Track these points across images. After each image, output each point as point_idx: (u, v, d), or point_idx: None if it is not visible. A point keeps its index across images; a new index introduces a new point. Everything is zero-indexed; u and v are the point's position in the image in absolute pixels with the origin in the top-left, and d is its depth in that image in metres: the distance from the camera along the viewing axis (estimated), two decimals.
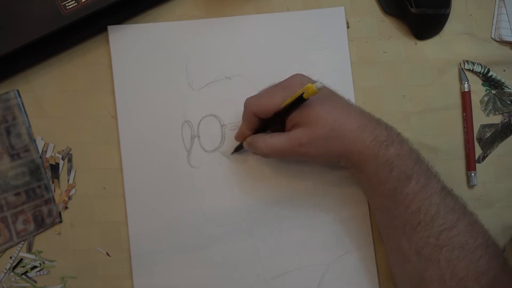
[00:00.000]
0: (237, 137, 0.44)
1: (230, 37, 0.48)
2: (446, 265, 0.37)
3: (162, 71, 0.47)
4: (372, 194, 0.42)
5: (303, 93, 0.36)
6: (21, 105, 0.47)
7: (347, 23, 0.49)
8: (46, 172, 0.46)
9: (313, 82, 0.36)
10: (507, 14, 0.49)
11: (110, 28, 0.47)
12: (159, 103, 0.47)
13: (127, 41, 0.47)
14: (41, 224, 0.46)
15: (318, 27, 0.48)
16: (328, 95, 0.40)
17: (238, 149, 0.46)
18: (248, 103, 0.41)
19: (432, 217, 0.38)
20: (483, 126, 0.48)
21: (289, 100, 0.38)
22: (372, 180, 0.40)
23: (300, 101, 0.37)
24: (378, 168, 0.39)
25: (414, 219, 0.38)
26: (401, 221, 0.39)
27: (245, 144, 0.43)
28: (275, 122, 0.41)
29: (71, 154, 0.47)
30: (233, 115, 0.47)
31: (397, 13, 0.48)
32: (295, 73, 0.42)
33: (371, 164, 0.39)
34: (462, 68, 0.49)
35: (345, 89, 0.47)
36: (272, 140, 0.40)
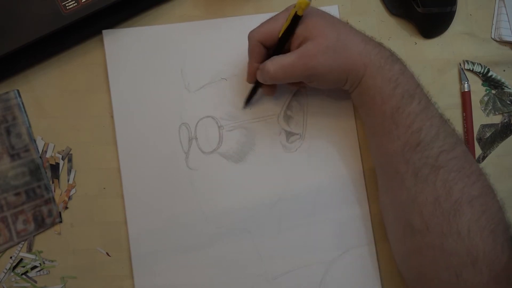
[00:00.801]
0: (248, 77, 0.44)
1: (224, 38, 0.48)
2: (442, 186, 0.37)
3: (158, 74, 0.47)
4: (374, 115, 0.41)
5: (294, 14, 0.37)
6: (21, 105, 0.47)
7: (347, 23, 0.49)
8: (46, 172, 0.46)
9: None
10: (507, 14, 0.49)
11: (105, 32, 0.47)
12: (156, 106, 0.47)
13: (122, 45, 0.47)
14: (41, 224, 0.46)
15: None
16: (324, 13, 0.41)
17: (250, 99, 0.46)
18: (252, 33, 0.42)
19: (432, 137, 0.38)
20: (483, 126, 0.48)
21: (287, 19, 0.39)
22: (376, 97, 0.40)
23: (297, 18, 0.38)
24: (384, 83, 0.39)
25: (415, 139, 0.38)
26: (401, 143, 0.38)
27: (258, 76, 0.42)
28: (281, 48, 0.41)
29: (71, 154, 0.47)
30: (230, 116, 0.47)
31: (403, 14, 0.48)
32: None
33: (377, 79, 0.39)
34: (462, 68, 0.49)
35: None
36: (280, 58, 0.40)
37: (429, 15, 0.47)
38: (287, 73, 0.40)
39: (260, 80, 0.42)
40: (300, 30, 0.39)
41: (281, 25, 0.40)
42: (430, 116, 0.38)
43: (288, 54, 0.40)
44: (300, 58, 0.39)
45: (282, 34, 0.40)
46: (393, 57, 0.40)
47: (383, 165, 0.42)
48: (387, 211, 0.42)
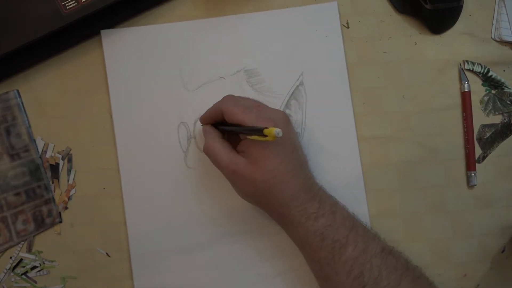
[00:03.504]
0: (200, 119, 0.45)
1: (222, 37, 0.48)
2: None
3: (157, 73, 0.47)
4: (310, 261, 0.41)
5: (264, 128, 0.36)
6: (21, 105, 0.47)
7: (347, 23, 0.49)
8: (46, 172, 0.46)
9: (288, 131, 0.38)
10: (507, 14, 0.49)
11: (103, 32, 0.47)
12: (155, 106, 0.47)
13: (120, 45, 0.47)
14: (41, 224, 0.46)
15: (312, 22, 0.48)
16: (290, 147, 0.40)
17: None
18: (224, 102, 0.42)
19: (375, 279, 0.37)
20: (483, 126, 0.48)
21: (252, 128, 0.38)
22: (306, 247, 0.40)
23: (261, 134, 0.36)
24: (309, 236, 0.39)
25: (359, 284, 0.37)
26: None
27: (202, 130, 0.44)
28: (233, 131, 0.41)
29: (71, 154, 0.47)
30: None
31: (411, 12, 0.48)
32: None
33: (299, 230, 0.39)
34: (462, 68, 0.49)
35: (340, 80, 0.47)
36: (218, 148, 0.40)
37: (437, 11, 0.47)
38: (214, 162, 0.41)
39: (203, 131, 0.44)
40: (252, 142, 0.39)
41: (244, 121, 0.39)
42: (370, 257, 0.38)
43: (225, 151, 0.40)
44: (227, 165, 0.40)
45: (241, 130, 0.40)
46: (319, 212, 0.39)
47: None
48: None
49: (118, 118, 0.47)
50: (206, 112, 0.44)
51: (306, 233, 0.39)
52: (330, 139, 0.47)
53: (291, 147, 0.40)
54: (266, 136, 0.35)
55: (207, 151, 0.41)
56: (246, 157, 0.39)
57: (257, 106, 0.42)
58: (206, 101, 0.47)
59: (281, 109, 0.47)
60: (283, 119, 0.41)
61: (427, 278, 0.40)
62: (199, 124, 0.47)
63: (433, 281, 0.40)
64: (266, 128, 0.35)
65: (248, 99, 0.44)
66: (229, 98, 0.42)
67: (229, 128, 0.42)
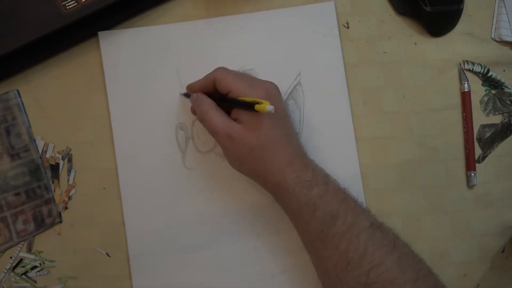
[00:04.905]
0: (188, 87, 0.45)
1: (220, 38, 0.48)
2: None
3: (154, 74, 0.47)
4: (301, 233, 0.41)
5: (256, 103, 0.37)
6: (21, 105, 0.47)
7: (347, 23, 0.49)
8: (46, 172, 0.46)
9: (279, 101, 0.38)
10: (507, 14, 0.49)
11: (100, 33, 0.47)
12: (153, 107, 0.47)
13: (118, 46, 0.47)
14: (41, 224, 0.46)
15: (310, 22, 0.48)
16: (282, 114, 0.41)
17: (186, 96, 0.46)
18: (217, 70, 0.42)
19: (360, 255, 0.37)
20: (483, 126, 0.48)
21: (245, 99, 0.39)
22: (298, 218, 0.40)
23: (251, 106, 0.37)
24: (301, 206, 0.39)
25: (344, 259, 0.37)
26: (332, 262, 0.38)
27: (192, 98, 0.43)
28: (225, 101, 0.41)
29: (71, 154, 0.47)
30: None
31: (411, 13, 0.48)
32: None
33: (292, 201, 0.39)
34: (462, 68, 0.49)
35: (338, 80, 0.47)
36: (214, 113, 0.40)
37: (437, 14, 0.47)
38: (209, 129, 0.41)
39: (192, 103, 0.43)
40: (241, 111, 0.39)
41: (238, 90, 0.39)
42: (357, 233, 0.38)
43: (220, 117, 0.40)
44: (223, 130, 0.39)
45: (233, 100, 0.40)
46: (312, 182, 0.39)
47: (322, 280, 0.41)
48: None
49: (116, 119, 0.47)
50: (196, 82, 0.44)
51: (299, 203, 0.39)
52: (328, 139, 0.47)
53: (283, 115, 0.41)
54: (257, 111, 0.37)
55: (202, 117, 0.41)
56: (240, 123, 0.39)
57: (249, 76, 0.42)
58: None
59: None
60: (275, 88, 0.42)
61: (415, 256, 0.39)
62: (197, 124, 0.47)
63: (422, 258, 0.39)
64: (258, 104, 0.36)
65: (241, 72, 0.44)
66: (221, 68, 0.42)
67: (220, 101, 0.41)
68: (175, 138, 0.47)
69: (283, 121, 0.41)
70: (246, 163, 0.40)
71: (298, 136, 0.43)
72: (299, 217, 0.40)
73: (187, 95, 0.46)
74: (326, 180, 0.40)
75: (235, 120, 0.40)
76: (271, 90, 0.41)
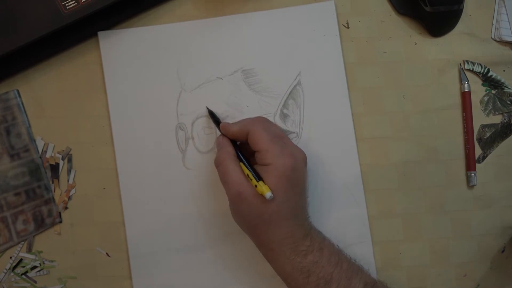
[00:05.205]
0: (222, 126, 0.44)
1: (219, 37, 0.48)
2: None
3: (154, 74, 0.47)
4: None
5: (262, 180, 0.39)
6: (21, 105, 0.47)
7: (347, 23, 0.49)
8: (46, 172, 0.46)
9: (302, 174, 0.40)
10: (507, 14, 0.49)
11: (100, 33, 0.47)
12: (152, 107, 0.47)
13: (117, 46, 0.47)
14: (41, 224, 0.46)
15: (310, 22, 0.48)
16: (300, 188, 0.41)
17: (212, 117, 0.46)
18: (255, 124, 0.41)
19: None
20: (483, 126, 0.48)
21: (257, 169, 0.40)
22: (289, 281, 0.40)
23: (257, 181, 0.39)
24: (294, 273, 0.39)
25: None
26: None
27: (217, 139, 0.44)
28: (242, 159, 0.41)
29: (71, 154, 0.47)
30: (226, 115, 0.47)
31: (411, 13, 0.48)
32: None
33: (286, 266, 0.39)
34: (462, 68, 0.49)
35: (338, 80, 0.47)
36: (231, 165, 0.40)
37: (437, 14, 0.47)
38: (222, 178, 0.41)
39: (216, 142, 0.44)
40: (262, 171, 0.40)
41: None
42: None
43: (235, 173, 0.40)
44: (237, 191, 0.39)
45: (247, 163, 0.41)
46: (308, 250, 0.39)
47: None
48: None
49: (115, 119, 0.47)
50: (231, 125, 0.43)
51: (292, 269, 0.39)
52: (328, 139, 0.47)
53: (301, 189, 0.41)
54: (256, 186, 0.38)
55: (219, 163, 0.41)
56: (262, 170, 0.39)
57: (283, 137, 0.42)
58: (203, 102, 0.47)
59: (279, 109, 0.47)
60: (303, 159, 0.41)
61: None
62: (197, 124, 0.47)
63: None
64: (263, 183, 0.38)
65: (276, 126, 0.43)
66: (260, 120, 0.42)
67: (240, 157, 0.41)
68: (175, 138, 0.47)
69: (300, 194, 0.41)
70: (248, 221, 0.40)
71: (307, 205, 0.43)
72: (292, 281, 0.40)
73: (214, 118, 0.46)
74: (321, 246, 0.40)
75: (253, 164, 0.40)
76: (297, 163, 0.40)
